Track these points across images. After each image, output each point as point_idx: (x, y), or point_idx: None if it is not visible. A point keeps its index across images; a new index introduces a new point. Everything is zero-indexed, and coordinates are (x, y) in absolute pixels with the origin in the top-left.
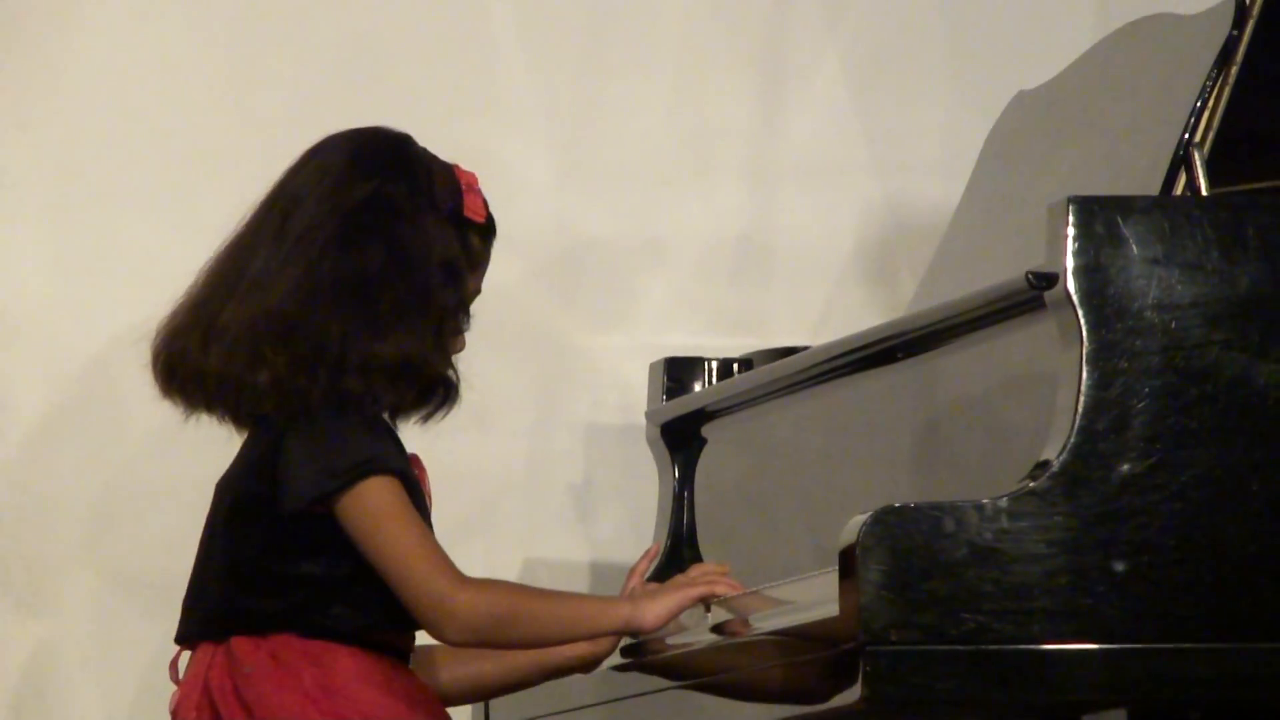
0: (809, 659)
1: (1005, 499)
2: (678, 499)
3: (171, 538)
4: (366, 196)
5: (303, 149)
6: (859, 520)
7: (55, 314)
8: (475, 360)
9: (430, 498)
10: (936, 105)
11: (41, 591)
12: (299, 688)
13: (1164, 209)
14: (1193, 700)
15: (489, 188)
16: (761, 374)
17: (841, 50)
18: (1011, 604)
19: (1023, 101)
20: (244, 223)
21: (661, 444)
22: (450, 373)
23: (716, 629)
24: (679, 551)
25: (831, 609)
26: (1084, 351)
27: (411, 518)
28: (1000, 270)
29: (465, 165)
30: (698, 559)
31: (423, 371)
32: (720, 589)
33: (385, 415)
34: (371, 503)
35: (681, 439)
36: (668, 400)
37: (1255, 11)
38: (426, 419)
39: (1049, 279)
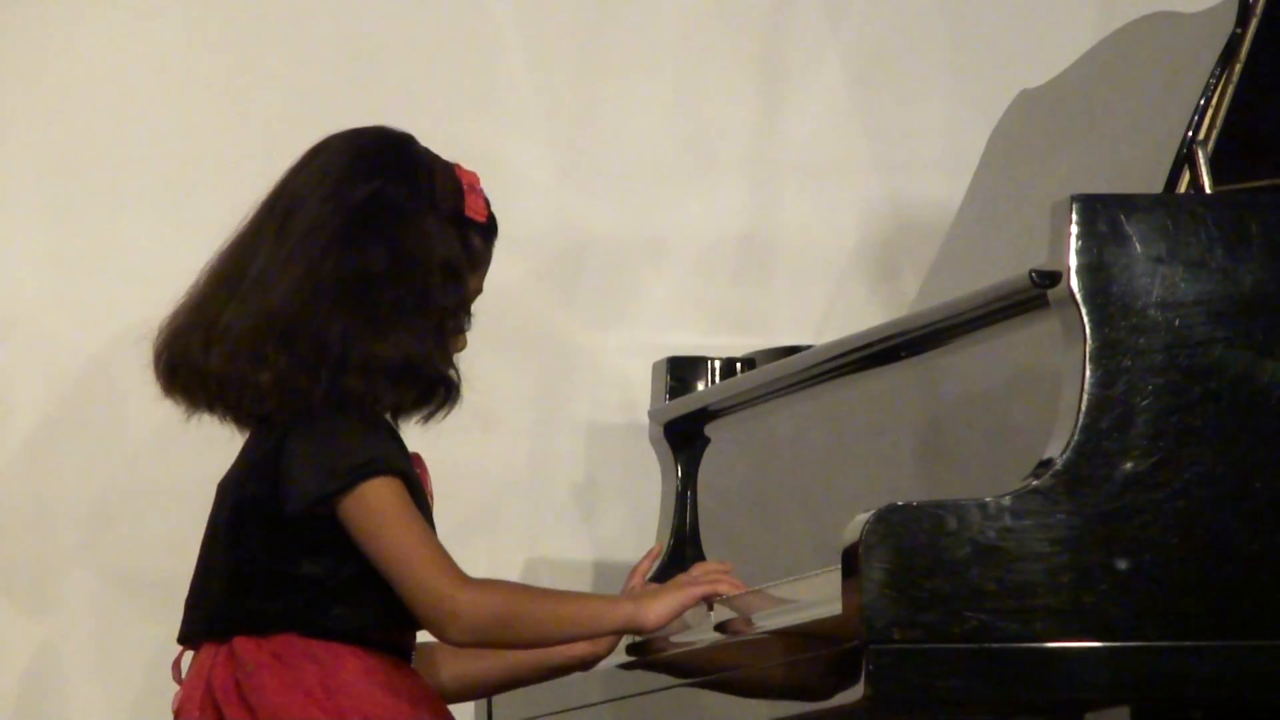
0: (812, 657)
1: (1008, 497)
2: (680, 498)
3: (173, 538)
4: (368, 196)
5: (303, 149)
6: (862, 519)
7: (55, 313)
8: (477, 360)
9: (432, 497)
10: (938, 104)
11: (42, 592)
12: (301, 687)
13: (1167, 207)
14: (1196, 698)
15: (490, 187)
16: (764, 373)
17: (843, 49)
18: (1014, 602)
19: (1026, 100)
20: (245, 222)
21: (664, 443)
22: (451, 372)
23: (719, 628)
24: (681, 550)
25: (834, 607)
26: (1087, 350)
27: (414, 518)
28: (1003, 269)
29: (466, 165)
30: (700, 558)
31: (424, 371)
32: (723, 588)
33: (387, 415)
34: (374, 503)
35: (684, 438)
36: (670, 399)
37: (1258, 9)
38: (428, 419)
39: (1052, 277)
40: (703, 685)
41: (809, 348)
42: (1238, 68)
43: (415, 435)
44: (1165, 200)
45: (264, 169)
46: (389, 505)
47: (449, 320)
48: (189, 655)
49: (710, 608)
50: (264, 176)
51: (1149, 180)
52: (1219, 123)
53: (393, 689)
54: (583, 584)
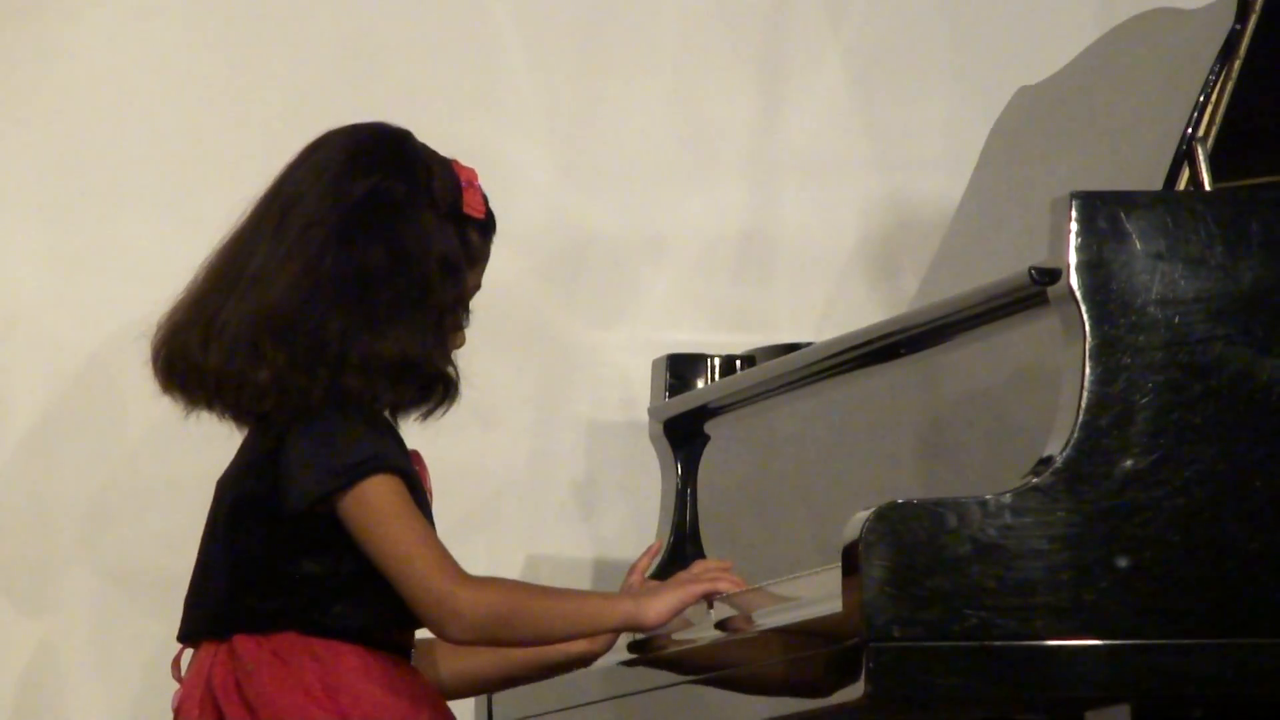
0: (812, 655)
1: (1008, 495)
2: (680, 496)
3: (172, 535)
4: (366, 193)
5: (302, 146)
6: (862, 516)
7: (54, 311)
8: (477, 358)
9: (431, 494)
10: (938, 101)
11: (42, 590)
12: (301, 685)
13: (1167, 204)
14: (1196, 696)
15: (491, 186)
16: (764, 370)
17: (843, 46)
18: (1014, 600)
19: (1025, 97)
20: (243, 219)
21: (664, 441)
22: (450, 369)
23: (720, 625)
24: (681, 548)
25: (834, 605)
26: (1087, 347)
27: (414, 516)
28: (1003, 266)
29: (466, 162)
30: (700, 556)
31: (423, 369)
32: (723, 586)
33: (386, 412)
34: (374, 501)
35: (684, 436)
36: (670, 397)
37: (1258, 5)
38: (427, 416)
39: (1052, 274)
40: (703, 683)
41: (809, 345)
42: (1238, 64)
43: (414, 432)
44: (1165, 197)
45: (264, 168)
46: (389, 503)
47: (448, 317)
48: (188, 653)
49: (710, 605)
50: (264, 175)
51: (1149, 177)
52: (1219, 119)
53: (393, 687)
54: (582, 582)
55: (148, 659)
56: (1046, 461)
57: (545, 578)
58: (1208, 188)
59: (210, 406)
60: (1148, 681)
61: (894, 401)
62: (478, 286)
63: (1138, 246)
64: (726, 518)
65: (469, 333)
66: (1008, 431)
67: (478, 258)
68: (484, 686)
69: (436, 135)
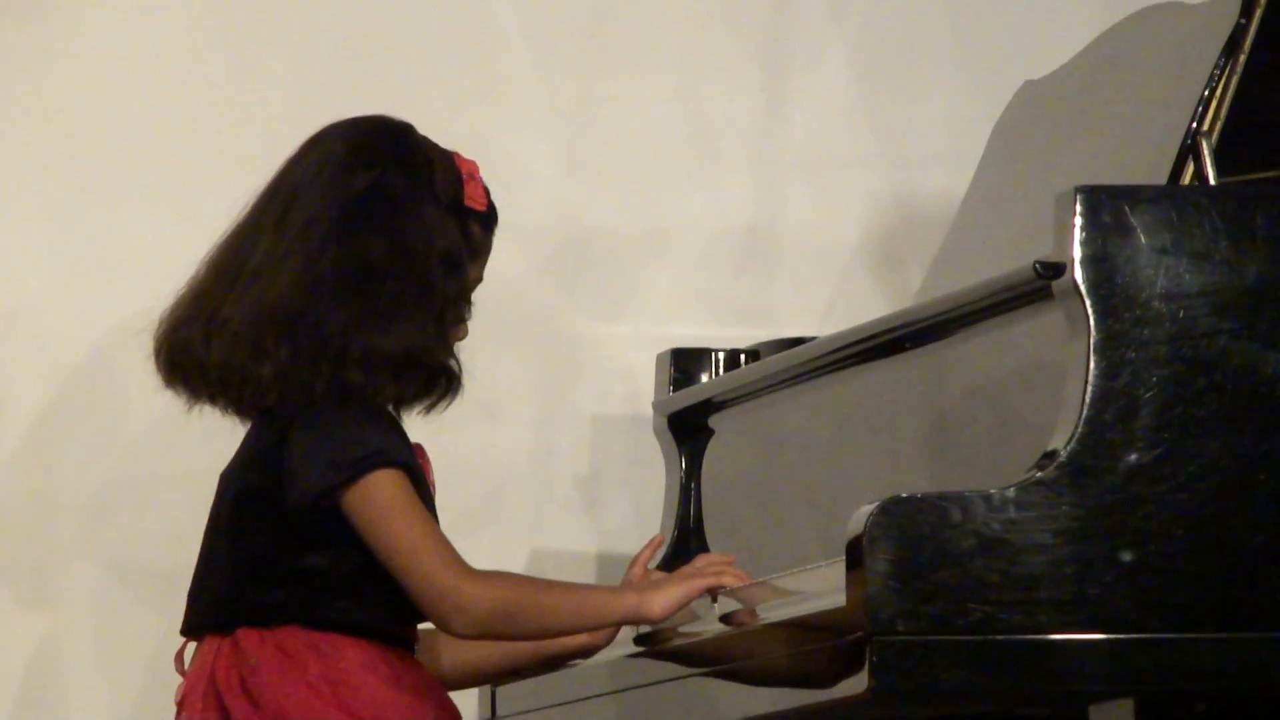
0: (816, 649)
1: (1012, 489)
2: (684, 490)
3: (175, 529)
4: (367, 186)
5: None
6: (866, 510)
7: (56, 306)
8: (481, 352)
9: (434, 487)
10: (942, 96)
11: (44, 584)
12: (305, 679)
13: (1171, 198)
14: (1199, 691)
15: (494, 180)
16: (768, 365)
17: (846, 41)
18: (1018, 594)
19: (1029, 91)
20: (245, 213)
21: (668, 435)
22: (452, 363)
23: (724, 619)
24: (686, 542)
25: (838, 599)
26: (1091, 341)
27: (417, 510)
28: (1007, 260)
29: (469, 158)
30: (704, 550)
31: (425, 362)
32: (727, 579)
33: (389, 406)
34: (377, 496)
35: (688, 430)
36: (674, 391)
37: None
38: (429, 409)
39: (1056, 269)
40: (707, 676)
41: (813, 339)
42: (1242, 59)
43: (418, 426)
44: (1169, 192)
45: (265, 165)
46: (392, 497)
47: (450, 310)
48: (191, 647)
49: (714, 599)
50: (264, 168)
51: (1153, 172)
52: (1223, 114)
53: (396, 681)
54: (586, 575)
55: (150, 653)
56: (1050, 456)
57: (549, 571)
58: (1212, 182)
59: (213, 401)
60: (1151, 676)
61: (898, 396)
62: (479, 279)
63: (1142, 241)
64: (730, 512)
65: (472, 327)
66: (1012, 426)
67: (479, 251)
68: (485, 678)
69: (440, 133)
